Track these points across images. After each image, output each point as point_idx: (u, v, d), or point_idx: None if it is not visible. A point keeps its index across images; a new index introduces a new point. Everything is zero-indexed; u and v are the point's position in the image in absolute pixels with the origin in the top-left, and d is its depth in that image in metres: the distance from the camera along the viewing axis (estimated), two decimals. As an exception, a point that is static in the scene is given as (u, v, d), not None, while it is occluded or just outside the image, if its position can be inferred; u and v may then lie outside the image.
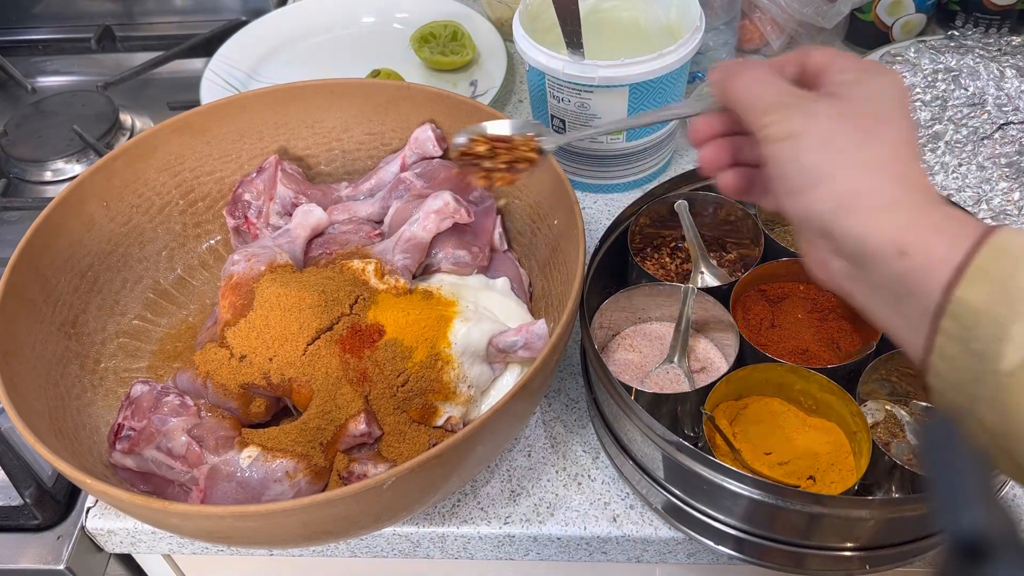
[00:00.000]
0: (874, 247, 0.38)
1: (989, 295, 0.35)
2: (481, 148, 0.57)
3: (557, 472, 0.65)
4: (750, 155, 0.47)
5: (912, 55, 0.88)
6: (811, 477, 0.58)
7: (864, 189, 0.38)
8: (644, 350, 0.68)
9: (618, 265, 0.71)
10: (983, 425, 0.36)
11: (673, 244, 0.75)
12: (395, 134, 0.77)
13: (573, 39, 0.75)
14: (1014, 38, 0.89)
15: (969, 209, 0.73)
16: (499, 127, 0.58)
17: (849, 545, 0.55)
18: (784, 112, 0.42)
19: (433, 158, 0.74)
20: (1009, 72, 0.84)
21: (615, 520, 0.62)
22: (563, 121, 0.81)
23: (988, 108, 0.82)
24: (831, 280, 0.42)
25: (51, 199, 0.66)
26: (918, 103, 0.84)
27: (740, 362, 0.62)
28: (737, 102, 0.44)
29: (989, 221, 0.75)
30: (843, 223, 0.39)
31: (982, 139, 0.81)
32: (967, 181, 0.78)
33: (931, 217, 0.37)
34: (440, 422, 0.59)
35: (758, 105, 0.43)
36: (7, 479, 0.65)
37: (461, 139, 0.57)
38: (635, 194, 0.81)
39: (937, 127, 0.82)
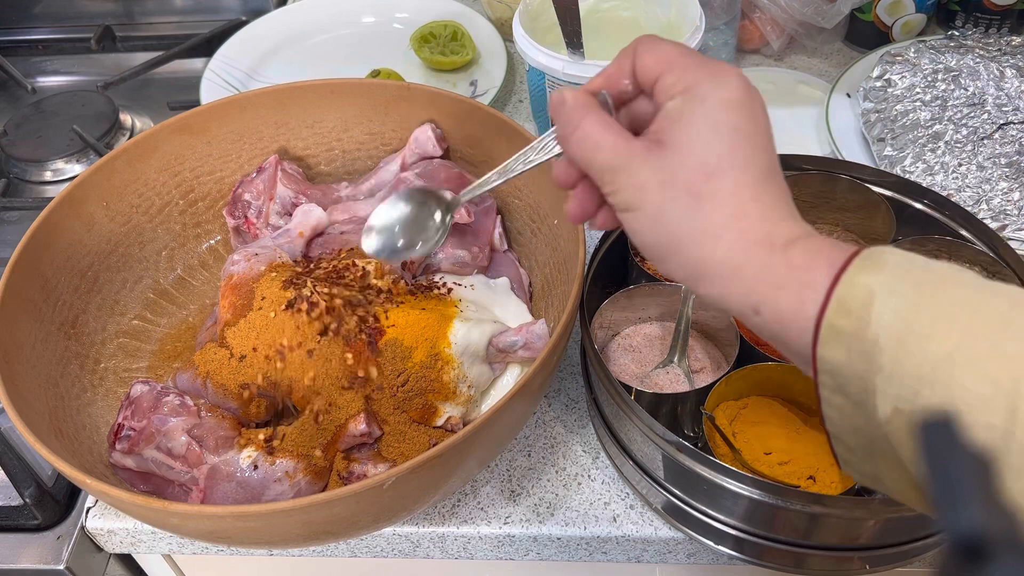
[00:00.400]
0: (732, 309, 0.38)
1: (847, 353, 0.34)
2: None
3: (557, 472, 0.65)
4: None
5: (912, 55, 0.88)
6: (811, 477, 0.58)
7: (707, 259, 0.38)
8: (644, 350, 0.68)
9: (618, 265, 0.71)
10: (889, 462, 0.36)
11: (673, 244, 0.74)
12: (395, 134, 0.77)
13: (573, 39, 0.75)
14: (1014, 38, 0.89)
15: (968, 209, 0.73)
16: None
17: (849, 545, 0.55)
18: (618, 180, 0.40)
19: (433, 158, 0.74)
20: (1009, 72, 0.84)
21: (615, 520, 0.62)
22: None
23: (988, 108, 0.82)
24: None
25: (51, 199, 0.66)
26: (918, 103, 0.84)
27: (740, 362, 0.62)
28: (576, 163, 0.42)
29: (989, 221, 0.75)
30: (699, 290, 0.39)
31: (982, 139, 0.81)
32: (967, 181, 0.78)
33: (774, 274, 0.36)
34: (440, 422, 0.59)
35: (592, 170, 0.41)
36: (7, 479, 0.65)
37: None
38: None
39: (937, 127, 0.82)
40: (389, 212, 0.54)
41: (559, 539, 0.62)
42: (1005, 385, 0.31)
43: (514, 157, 0.49)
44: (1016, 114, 0.81)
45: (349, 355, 0.59)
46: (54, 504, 0.66)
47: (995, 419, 0.31)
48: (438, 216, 0.54)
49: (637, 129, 0.43)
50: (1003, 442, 0.31)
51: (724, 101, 0.38)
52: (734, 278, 0.37)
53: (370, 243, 0.54)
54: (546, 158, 0.47)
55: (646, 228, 0.40)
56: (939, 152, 0.80)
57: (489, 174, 0.50)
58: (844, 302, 0.35)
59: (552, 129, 0.46)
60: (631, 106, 0.44)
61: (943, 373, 0.32)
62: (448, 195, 0.55)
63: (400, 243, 0.54)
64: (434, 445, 0.51)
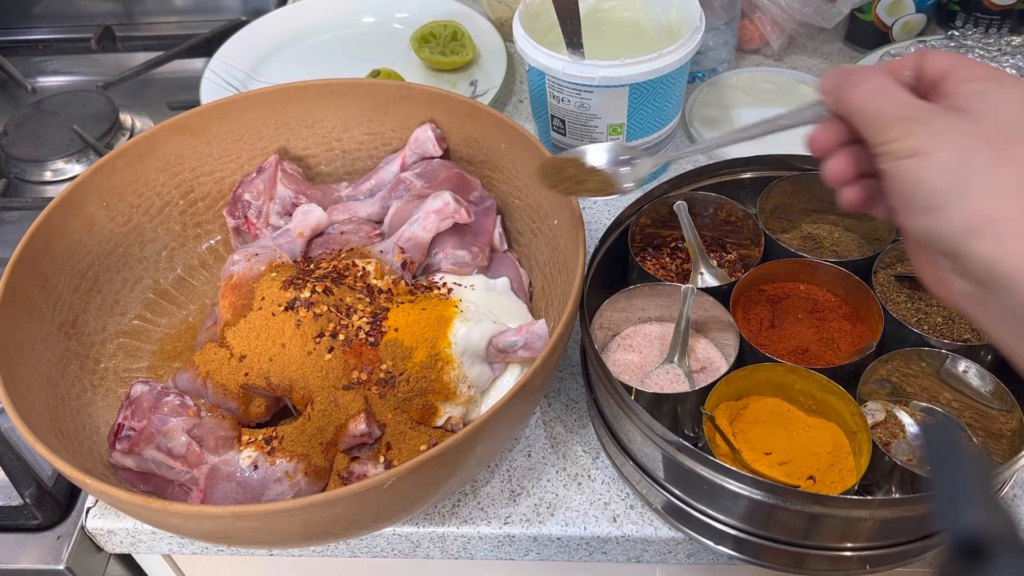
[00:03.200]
0: (1005, 273, 0.36)
1: None
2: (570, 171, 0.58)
3: (557, 472, 0.65)
4: (871, 166, 0.44)
5: (912, 55, 0.88)
6: (811, 477, 0.58)
7: (998, 213, 0.37)
8: (644, 350, 0.68)
9: (618, 265, 0.71)
10: None
11: (673, 244, 0.75)
12: (395, 134, 0.77)
13: (573, 39, 0.75)
14: (1014, 38, 0.89)
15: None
16: (595, 156, 0.58)
17: (849, 545, 0.55)
18: (908, 128, 0.39)
19: (433, 158, 0.74)
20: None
21: (615, 520, 0.62)
22: (563, 121, 0.81)
23: (988, 108, 0.82)
24: (950, 299, 0.41)
25: (51, 199, 0.66)
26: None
27: (740, 362, 0.62)
28: (856, 114, 0.42)
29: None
30: (973, 247, 0.37)
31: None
32: (967, 181, 0.78)
33: None
34: (440, 422, 0.59)
35: (879, 119, 0.41)
36: (7, 479, 0.65)
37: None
38: (635, 194, 0.81)
39: (937, 127, 0.82)
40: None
41: (559, 539, 0.62)
42: None
43: (768, 118, 0.48)
44: (1016, 114, 0.81)
45: (349, 355, 0.59)
46: (54, 504, 0.66)
47: None
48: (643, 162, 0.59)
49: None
50: None
51: (1022, 96, 0.39)
52: (1016, 237, 0.36)
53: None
54: (806, 121, 0.47)
55: (932, 174, 0.38)
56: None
57: (743, 127, 0.51)
58: None
59: (807, 103, 0.46)
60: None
61: None
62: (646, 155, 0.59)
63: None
64: (434, 445, 0.51)
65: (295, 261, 0.68)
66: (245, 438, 0.59)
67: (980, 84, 0.40)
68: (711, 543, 0.58)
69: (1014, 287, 0.36)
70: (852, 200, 0.45)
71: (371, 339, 0.59)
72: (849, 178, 0.45)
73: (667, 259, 0.74)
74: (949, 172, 0.38)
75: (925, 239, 0.39)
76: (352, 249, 0.68)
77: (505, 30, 1.03)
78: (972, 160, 0.37)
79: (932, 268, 0.41)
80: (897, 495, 0.58)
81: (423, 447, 0.57)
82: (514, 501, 0.63)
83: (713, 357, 0.67)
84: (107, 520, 0.65)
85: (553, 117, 0.82)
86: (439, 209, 0.67)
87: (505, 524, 0.62)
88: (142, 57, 1.14)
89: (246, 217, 0.72)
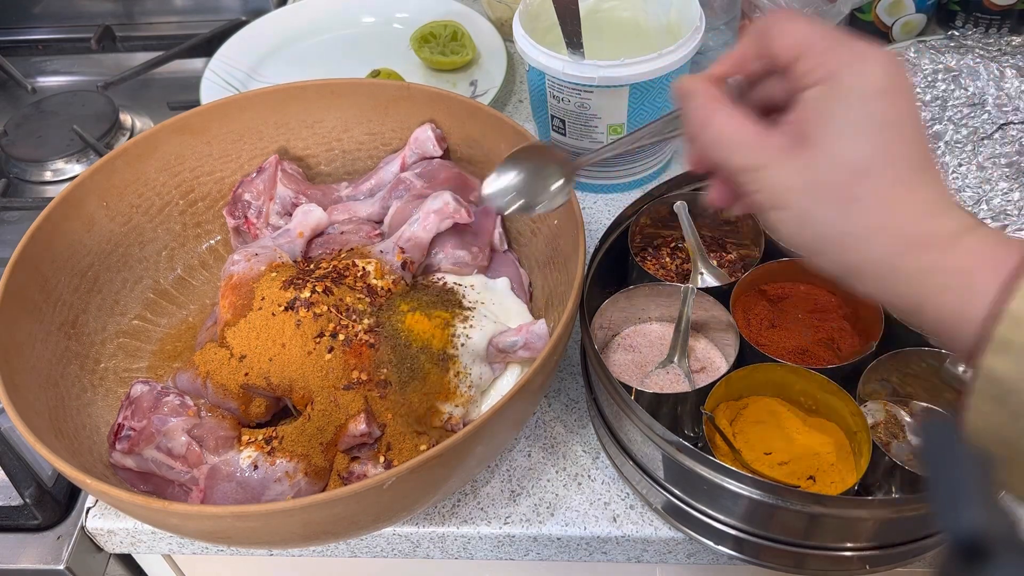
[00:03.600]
0: (891, 305, 0.37)
1: (1017, 365, 0.33)
2: None
3: (557, 472, 0.65)
4: None
5: (912, 55, 0.88)
6: (811, 477, 0.58)
7: (862, 261, 0.37)
8: (644, 350, 0.68)
9: (618, 265, 0.71)
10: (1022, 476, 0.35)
11: (673, 244, 0.75)
12: (395, 134, 0.77)
13: (573, 39, 0.75)
14: (1014, 38, 0.89)
15: (969, 209, 0.73)
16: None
17: (849, 545, 0.55)
18: (756, 177, 0.38)
19: (433, 158, 0.74)
20: (1009, 72, 0.84)
21: (615, 520, 0.62)
22: (563, 121, 0.81)
23: (988, 108, 0.82)
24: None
25: (51, 199, 0.66)
26: (918, 103, 0.84)
27: (740, 362, 0.62)
28: (709, 154, 0.41)
29: (989, 221, 0.75)
30: (855, 286, 0.38)
31: (982, 139, 0.80)
32: (967, 181, 0.78)
33: (936, 276, 0.35)
34: (440, 422, 0.59)
35: (729, 167, 0.40)
36: (7, 479, 0.65)
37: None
38: (635, 194, 0.81)
39: (937, 127, 0.82)
40: (507, 173, 0.56)
41: (559, 539, 0.62)
42: None
43: (643, 128, 0.48)
44: (1016, 114, 0.81)
45: (349, 355, 0.59)
46: (54, 504, 0.66)
47: None
48: (559, 181, 0.56)
49: (769, 111, 0.41)
50: None
51: (868, 92, 0.36)
52: (892, 278, 0.36)
53: (493, 198, 0.55)
54: (674, 135, 0.46)
55: (792, 228, 0.38)
56: (939, 152, 0.80)
57: (613, 140, 0.50)
58: (1017, 316, 0.33)
59: (672, 114, 0.45)
60: (761, 86, 0.43)
61: None
62: (568, 159, 0.56)
63: (520, 202, 0.56)
64: (434, 445, 0.51)
65: (295, 261, 0.68)
66: (245, 438, 0.59)
67: (820, 91, 0.37)
68: (711, 543, 0.58)
69: (904, 314, 0.37)
70: (737, 214, 0.45)
71: (371, 339, 0.59)
72: (731, 200, 0.44)
73: (667, 259, 0.74)
74: (804, 229, 0.38)
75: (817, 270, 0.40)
76: (352, 249, 0.68)
77: (505, 30, 1.03)
78: (822, 218, 0.37)
79: None
80: (897, 495, 0.58)
81: (423, 447, 0.57)
82: (514, 501, 0.63)
83: (713, 357, 0.67)
84: (107, 520, 0.65)
85: (553, 117, 0.82)
86: (439, 209, 0.67)
87: (505, 524, 0.62)
88: (142, 57, 1.14)
89: (246, 217, 0.72)
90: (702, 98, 0.41)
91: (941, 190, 0.37)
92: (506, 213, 0.56)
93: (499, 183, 0.56)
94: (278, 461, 0.56)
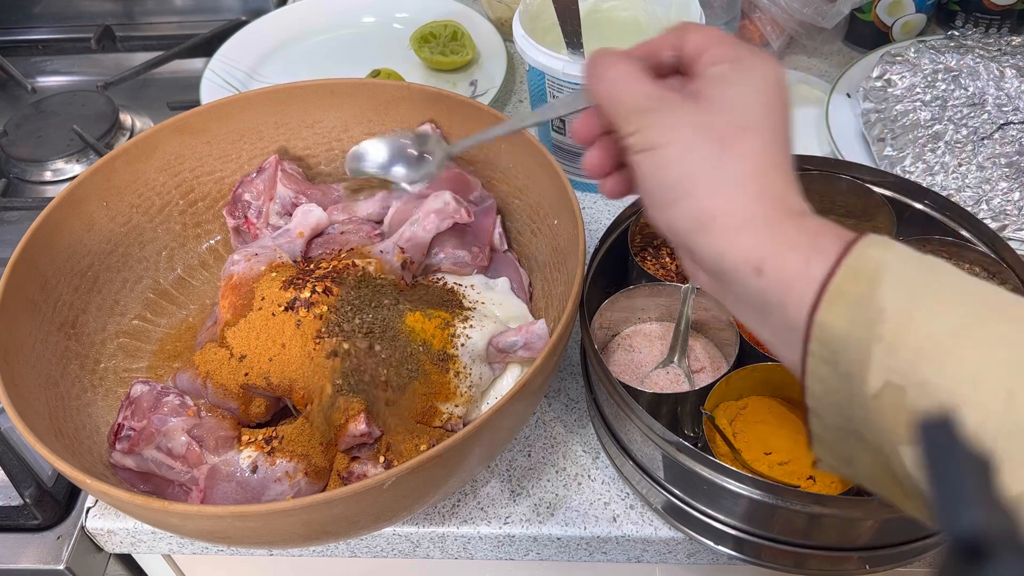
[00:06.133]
0: (731, 266, 0.37)
1: (848, 320, 0.34)
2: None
3: (557, 472, 0.65)
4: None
5: (912, 55, 0.88)
6: (811, 477, 0.58)
7: (720, 208, 0.37)
8: (644, 350, 0.68)
9: (618, 265, 0.71)
10: (865, 444, 0.35)
11: (673, 244, 0.75)
12: (395, 134, 0.77)
13: (573, 39, 0.75)
14: (1014, 38, 0.89)
15: (968, 209, 0.73)
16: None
17: (849, 545, 0.55)
18: (645, 119, 0.39)
19: (433, 158, 0.74)
20: (1009, 72, 0.84)
21: (615, 520, 0.62)
22: (563, 121, 0.81)
23: (988, 108, 0.82)
24: (705, 289, 0.42)
25: (51, 199, 0.66)
26: (918, 103, 0.84)
27: (740, 362, 0.62)
28: (602, 104, 0.42)
29: (989, 221, 0.75)
30: (701, 241, 0.38)
31: (982, 139, 0.81)
32: (967, 181, 0.78)
33: (787, 233, 0.36)
34: (440, 422, 0.59)
35: (620, 110, 0.40)
36: (7, 479, 0.65)
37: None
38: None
39: (937, 127, 0.82)
40: (381, 142, 0.56)
41: (559, 539, 0.62)
42: (1005, 369, 0.31)
43: (533, 111, 0.49)
44: (1016, 114, 0.81)
45: (349, 355, 0.59)
46: (54, 504, 0.66)
47: (993, 402, 0.31)
48: (435, 155, 0.56)
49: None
50: (998, 423, 0.31)
51: (767, 77, 0.39)
52: (744, 230, 0.37)
53: (356, 163, 0.56)
54: (567, 112, 0.47)
55: (664, 168, 0.39)
56: (939, 152, 0.80)
57: (500, 125, 0.50)
58: (855, 268, 0.34)
59: (579, 89, 0.45)
60: (664, 81, 0.43)
61: (944, 351, 0.32)
62: (444, 142, 0.56)
63: (394, 168, 0.56)
64: (434, 445, 0.51)
65: (295, 261, 0.68)
66: (245, 438, 0.59)
67: (723, 67, 0.40)
68: (711, 543, 0.58)
69: (738, 277, 0.37)
70: (612, 191, 0.45)
71: (370, 339, 0.59)
72: (606, 170, 0.45)
73: (667, 259, 0.74)
74: (678, 167, 0.38)
75: (667, 233, 0.40)
76: (352, 249, 0.68)
77: (505, 30, 1.03)
78: (700, 155, 0.38)
79: (684, 261, 0.42)
80: (897, 495, 0.58)
81: (423, 447, 0.57)
82: (514, 501, 0.63)
83: (713, 357, 0.67)
84: (107, 520, 0.65)
85: (553, 117, 0.82)
86: (439, 209, 0.67)
87: (505, 524, 0.62)
88: (142, 57, 1.14)
89: (246, 217, 0.72)
90: (607, 55, 0.42)
91: (797, 183, 0.39)
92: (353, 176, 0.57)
93: (368, 147, 0.56)
94: (278, 461, 0.56)
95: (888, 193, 0.69)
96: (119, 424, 0.59)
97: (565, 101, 0.48)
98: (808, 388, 0.36)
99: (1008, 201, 0.76)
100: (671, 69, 0.43)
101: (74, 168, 0.99)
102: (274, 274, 0.63)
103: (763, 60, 0.40)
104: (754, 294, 0.37)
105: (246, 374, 0.59)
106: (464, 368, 0.60)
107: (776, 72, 0.40)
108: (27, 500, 0.64)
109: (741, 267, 0.37)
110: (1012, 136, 0.80)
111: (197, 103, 0.95)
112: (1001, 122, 0.81)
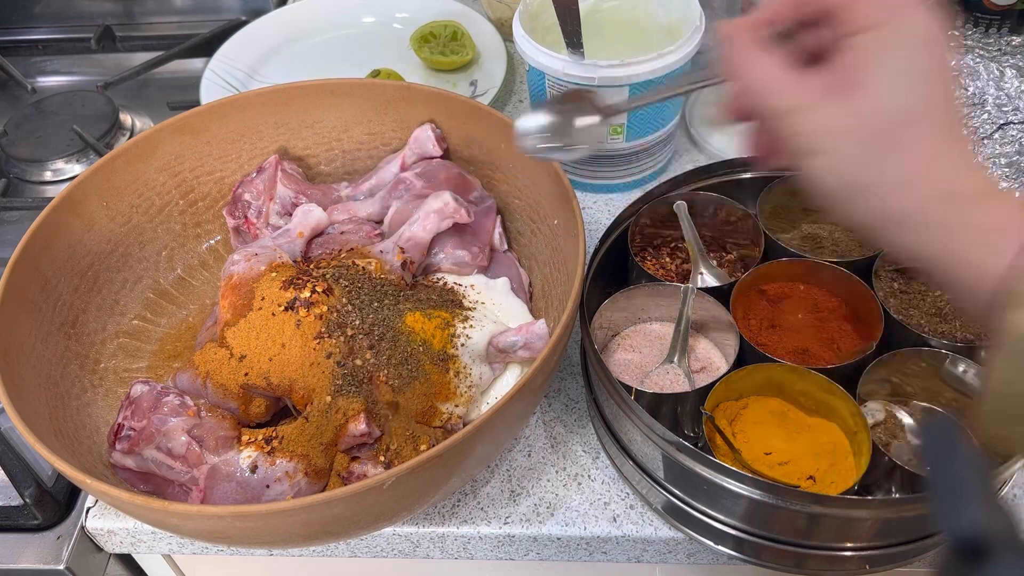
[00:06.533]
0: (914, 257, 0.38)
1: None
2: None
3: (557, 472, 0.65)
4: None
5: (912, 55, 0.88)
6: (811, 477, 0.58)
7: (891, 212, 0.38)
8: (644, 350, 0.68)
9: (618, 265, 0.71)
10: None
11: (673, 244, 0.75)
12: (395, 134, 0.77)
13: (573, 39, 0.75)
14: (1014, 38, 0.89)
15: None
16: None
17: (849, 545, 0.55)
18: (794, 119, 0.39)
19: (433, 158, 0.74)
20: (1009, 72, 0.84)
21: (615, 520, 0.62)
22: (563, 121, 0.81)
23: (988, 108, 0.82)
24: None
25: (51, 199, 0.66)
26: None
27: (740, 362, 0.62)
28: (749, 98, 0.41)
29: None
30: (884, 236, 0.39)
31: (982, 139, 0.81)
32: (967, 181, 0.78)
33: (965, 232, 0.36)
34: (440, 422, 0.59)
35: (769, 108, 0.40)
36: (7, 479, 0.65)
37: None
38: (635, 194, 0.81)
39: (937, 127, 0.82)
40: (539, 113, 0.54)
41: (559, 539, 0.62)
42: None
43: (681, 76, 0.48)
44: (1016, 114, 0.81)
45: (349, 355, 0.59)
46: (54, 504, 0.66)
47: None
48: (593, 119, 0.54)
49: (808, 60, 0.41)
50: None
51: (917, 40, 0.37)
52: (924, 230, 0.37)
53: (524, 136, 0.54)
54: (713, 82, 0.46)
55: (830, 173, 0.39)
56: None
57: (653, 89, 0.49)
58: None
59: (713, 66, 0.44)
60: (799, 37, 0.43)
61: None
62: (602, 101, 0.54)
63: (553, 143, 0.54)
64: (434, 445, 0.51)
65: (295, 261, 0.68)
66: (245, 438, 0.59)
67: (872, 36, 0.38)
68: (711, 543, 0.58)
69: (929, 267, 0.38)
70: (780, 166, 0.45)
71: (371, 339, 0.59)
72: (768, 153, 0.45)
73: (667, 259, 0.74)
74: (839, 177, 0.38)
75: (844, 222, 0.40)
76: (352, 249, 0.68)
77: (505, 30, 1.03)
78: (860, 164, 0.38)
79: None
80: (897, 495, 0.58)
81: (423, 447, 0.57)
82: (514, 501, 0.63)
83: (713, 357, 0.67)
84: (107, 520, 0.65)
85: (553, 117, 0.82)
86: (439, 209, 0.67)
87: (505, 524, 0.62)
88: (142, 57, 1.14)
89: (246, 217, 0.72)
90: (742, 42, 0.41)
91: (968, 148, 0.38)
92: (537, 155, 0.55)
93: (533, 121, 0.54)
94: (278, 461, 0.56)
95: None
96: (119, 424, 0.59)
97: (704, 74, 0.46)
98: (991, 374, 0.36)
99: (1008, 201, 0.76)
100: (808, 22, 0.41)
101: (74, 168, 0.99)
102: (274, 274, 0.63)
103: (913, 18, 0.37)
104: (943, 279, 0.38)
105: (246, 374, 0.59)
106: (464, 368, 0.60)
107: (927, 29, 0.37)
108: (27, 500, 0.64)
109: (927, 258, 0.38)
110: (1012, 136, 0.80)
111: (197, 103, 0.95)
112: (1001, 122, 0.81)
